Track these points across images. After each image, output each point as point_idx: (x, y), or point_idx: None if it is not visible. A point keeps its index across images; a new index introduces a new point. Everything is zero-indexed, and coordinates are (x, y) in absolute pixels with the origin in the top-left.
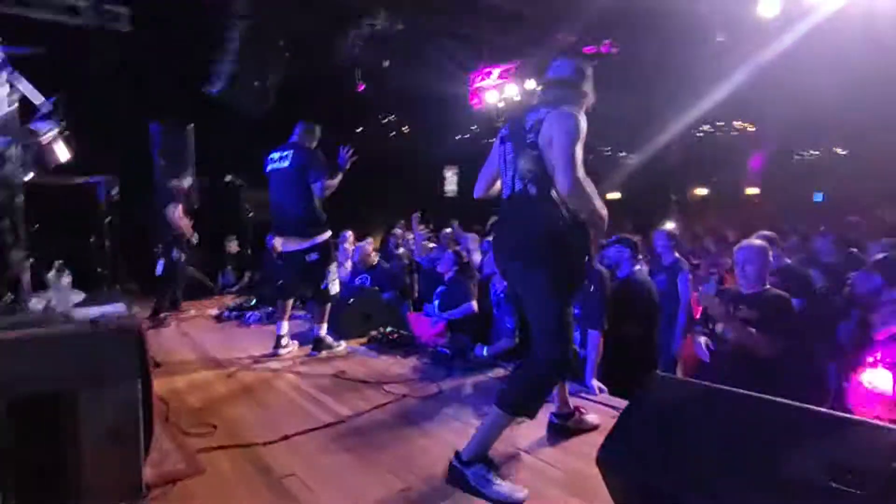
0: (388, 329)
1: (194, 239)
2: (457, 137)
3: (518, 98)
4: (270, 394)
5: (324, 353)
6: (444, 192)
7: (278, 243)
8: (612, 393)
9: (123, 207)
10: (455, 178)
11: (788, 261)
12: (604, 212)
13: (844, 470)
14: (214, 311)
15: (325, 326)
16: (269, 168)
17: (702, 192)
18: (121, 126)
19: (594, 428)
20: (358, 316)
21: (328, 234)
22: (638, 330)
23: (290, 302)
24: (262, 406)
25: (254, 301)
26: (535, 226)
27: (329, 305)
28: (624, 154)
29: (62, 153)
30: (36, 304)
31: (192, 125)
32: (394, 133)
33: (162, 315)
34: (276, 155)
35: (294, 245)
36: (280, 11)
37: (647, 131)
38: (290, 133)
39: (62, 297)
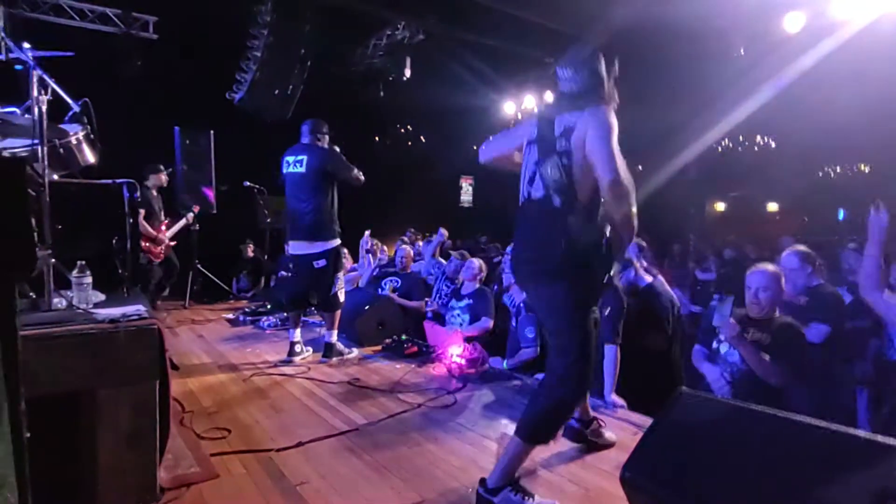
0: (404, 337)
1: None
2: (474, 147)
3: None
4: (285, 399)
5: (335, 360)
6: (461, 202)
7: (290, 246)
8: (631, 408)
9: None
10: (470, 189)
11: (821, 280)
12: (635, 221)
13: (892, 498)
14: (230, 315)
15: (335, 333)
16: (284, 171)
17: (721, 207)
18: (145, 130)
19: (611, 445)
20: (373, 323)
21: (337, 241)
22: (659, 342)
23: (301, 309)
24: (277, 411)
25: (269, 306)
26: (555, 237)
27: (337, 312)
28: (641, 168)
29: (89, 155)
30: (58, 302)
31: (213, 131)
32: (410, 142)
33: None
34: (290, 158)
35: (303, 249)
36: (301, 20)
37: (667, 145)
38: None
39: (83, 296)
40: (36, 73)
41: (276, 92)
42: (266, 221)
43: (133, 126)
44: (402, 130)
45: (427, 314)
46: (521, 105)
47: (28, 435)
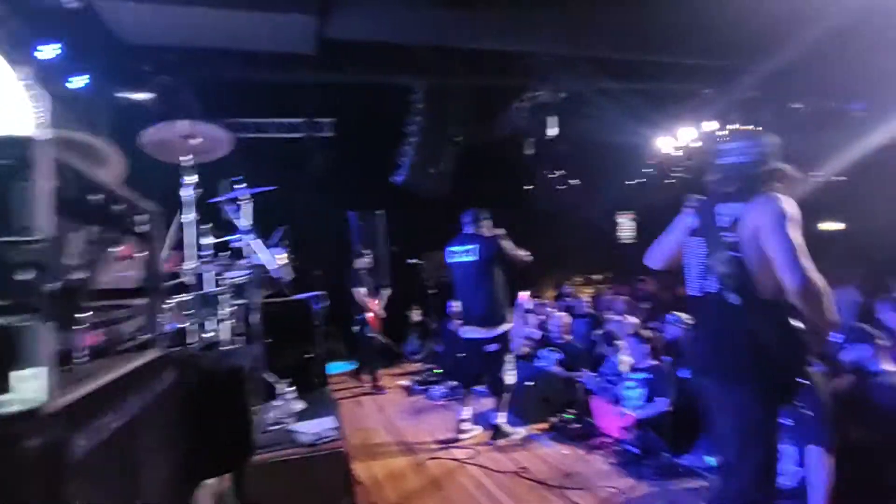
0: (569, 416)
1: (382, 314)
2: (628, 183)
3: (696, 144)
4: (457, 491)
5: (502, 441)
6: (619, 239)
7: (462, 330)
8: None
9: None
10: (631, 225)
11: None
12: (835, 317)
13: None
14: (404, 382)
15: (503, 414)
16: (451, 260)
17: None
18: (325, 215)
19: None
20: (537, 399)
21: (509, 325)
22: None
23: (470, 389)
24: None
25: (438, 370)
26: (735, 337)
27: (507, 394)
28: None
29: (287, 273)
30: (269, 417)
31: (383, 211)
32: (562, 185)
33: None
34: (457, 248)
35: (476, 333)
36: (448, 103)
37: None
38: (458, 215)
39: (286, 407)
40: (245, 208)
41: (432, 170)
42: (429, 292)
43: (315, 212)
44: (553, 174)
45: (594, 389)
46: (676, 138)
47: None
